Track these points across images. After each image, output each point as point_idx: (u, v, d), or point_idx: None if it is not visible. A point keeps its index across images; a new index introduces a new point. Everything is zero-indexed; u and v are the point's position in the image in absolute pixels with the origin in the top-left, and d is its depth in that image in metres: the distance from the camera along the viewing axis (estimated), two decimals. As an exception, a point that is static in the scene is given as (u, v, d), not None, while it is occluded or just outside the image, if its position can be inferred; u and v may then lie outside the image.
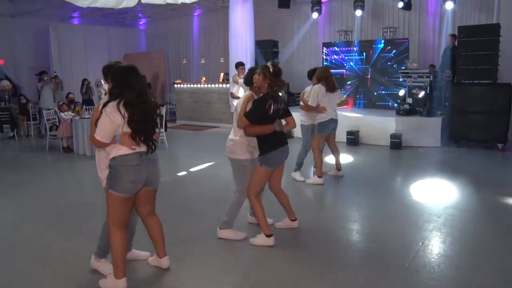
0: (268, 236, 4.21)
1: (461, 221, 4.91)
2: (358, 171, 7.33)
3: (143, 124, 3.17)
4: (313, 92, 6.33)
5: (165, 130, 9.92)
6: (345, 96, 7.42)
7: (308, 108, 6.42)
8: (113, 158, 3.20)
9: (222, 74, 13.75)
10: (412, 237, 4.44)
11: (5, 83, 12.79)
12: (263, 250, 4.16)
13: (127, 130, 3.13)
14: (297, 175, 6.66)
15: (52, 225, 5.03)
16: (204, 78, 14.14)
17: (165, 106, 10.92)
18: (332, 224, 4.93)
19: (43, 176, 7.74)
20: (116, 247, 3.29)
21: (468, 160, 8.05)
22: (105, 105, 3.16)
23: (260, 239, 4.24)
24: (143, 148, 3.24)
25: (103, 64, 3.70)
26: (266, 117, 4.02)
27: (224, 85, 12.95)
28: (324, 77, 6.33)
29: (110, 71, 3.27)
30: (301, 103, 6.67)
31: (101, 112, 3.15)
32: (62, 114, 9.52)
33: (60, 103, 10.14)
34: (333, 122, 6.48)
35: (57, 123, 10.14)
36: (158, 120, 3.35)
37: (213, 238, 4.42)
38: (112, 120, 3.09)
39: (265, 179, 4.25)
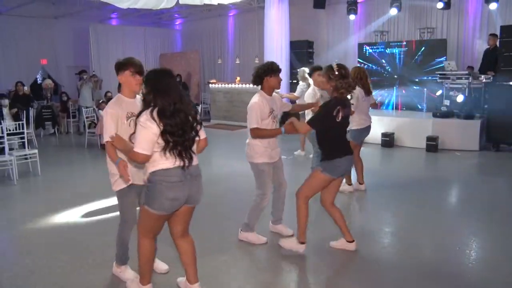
0: (301, 243, 3.99)
1: (499, 226, 4.77)
2: (393, 174, 7.23)
3: (179, 135, 2.87)
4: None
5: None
6: (377, 99, 6.97)
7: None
8: (153, 172, 2.91)
9: (256, 74, 13.79)
10: (448, 242, 4.35)
11: (48, 81, 13.29)
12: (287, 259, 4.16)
13: (161, 141, 2.86)
14: None
15: (92, 219, 5.20)
16: (238, 78, 14.23)
17: (200, 105, 11.04)
18: (367, 226, 4.88)
19: (82, 172, 8.02)
20: (144, 256, 3.14)
21: (508, 165, 7.80)
22: (139, 114, 2.91)
23: (291, 243, 4.06)
24: (180, 163, 2.92)
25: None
26: (334, 125, 3.72)
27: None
28: (359, 77, 5.71)
29: (145, 76, 3.01)
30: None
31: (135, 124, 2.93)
32: (100, 112, 9.79)
33: (100, 101, 10.44)
34: (369, 129, 5.99)
35: (96, 121, 10.44)
36: (199, 128, 3.04)
37: (232, 245, 4.38)
38: (148, 130, 2.82)
39: (321, 187, 3.92)
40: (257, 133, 4.00)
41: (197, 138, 3.05)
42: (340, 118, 3.68)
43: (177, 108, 2.85)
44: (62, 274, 3.76)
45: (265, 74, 4.11)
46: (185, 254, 3.25)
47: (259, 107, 4.03)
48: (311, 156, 8.38)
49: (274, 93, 4.28)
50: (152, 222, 3.03)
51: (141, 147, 2.83)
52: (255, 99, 4.09)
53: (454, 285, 3.49)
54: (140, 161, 2.92)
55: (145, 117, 2.84)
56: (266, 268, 3.88)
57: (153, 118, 2.81)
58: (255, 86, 4.23)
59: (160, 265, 3.77)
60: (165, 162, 2.88)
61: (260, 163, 4.13)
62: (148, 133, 2.82)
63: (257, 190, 4.25)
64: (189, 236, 3.28)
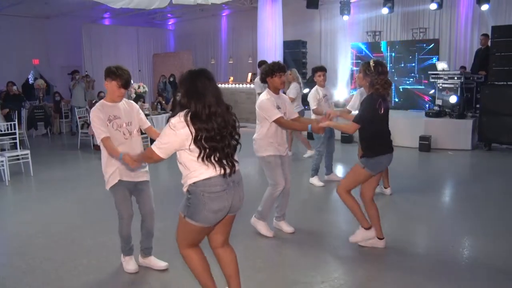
0: (368, 228, 4.06)
1: (492, 225, 4.80)
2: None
3: (217, 140, 2.66)
4: None
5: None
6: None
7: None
8: (194, 183, 2.70)
9: (250, 74, 13.82)
10: (441, 240, 4.38)
11: (40, 82, 13.22)
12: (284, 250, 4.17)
13: (195, 147, 2.64)
14: (315, 180, 6.44)
15: (85, 220, 5.17)
16: (232, 78, 14.23)
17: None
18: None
19: (75, 172, 7.97)
20: (195, 268, 2.89)
21: (499, 164, 7.87)
22: (172, 116, 2.73)
23: (361, 234, 4.08)
24: (221, 170, 2.70)
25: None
26: (378, 118, 3.80)
27: (252, 85, 13.01)
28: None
29: (180, 77, 2.79)
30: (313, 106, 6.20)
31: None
32: (93, 112, 9.73)
33: (92, 101, 10.40)
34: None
35: (88, 121, 10.38)
36: (238, 138, 2.85)
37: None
38: (176, 133, 2.63)
39: (359, 182, 4.03)
40: (282, 123, 4.15)
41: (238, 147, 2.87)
42: (382, 111, 3.77)
43: (213, 111, 2.65)
44: (56, 276, 3.73)
45: (267, 75, 4.30)
46: (228, 265, 2.99)
47: (269, 101, 4.20)
48: (305, 156, 8.43)
49: (282, 94, 4.44)
50: (194, 235, 2.82)
51: (158, 147, 2.71)
52: (263, 96, 4.28)
53: (447, 283, 3.51)
54: (154, 159, 2.78)
55: (177, 119, 2.65)
56: (260, 267, 3.87)
57: (186, 121, 2.62)
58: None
59: (154, 262, 3.80)
60: (206, 171, 2.68)
61: (266, 155, 4.31)
62: (173, 137, 2.65)
63: (269, 181, 4.40)
64: (230, 246, 3.05)
